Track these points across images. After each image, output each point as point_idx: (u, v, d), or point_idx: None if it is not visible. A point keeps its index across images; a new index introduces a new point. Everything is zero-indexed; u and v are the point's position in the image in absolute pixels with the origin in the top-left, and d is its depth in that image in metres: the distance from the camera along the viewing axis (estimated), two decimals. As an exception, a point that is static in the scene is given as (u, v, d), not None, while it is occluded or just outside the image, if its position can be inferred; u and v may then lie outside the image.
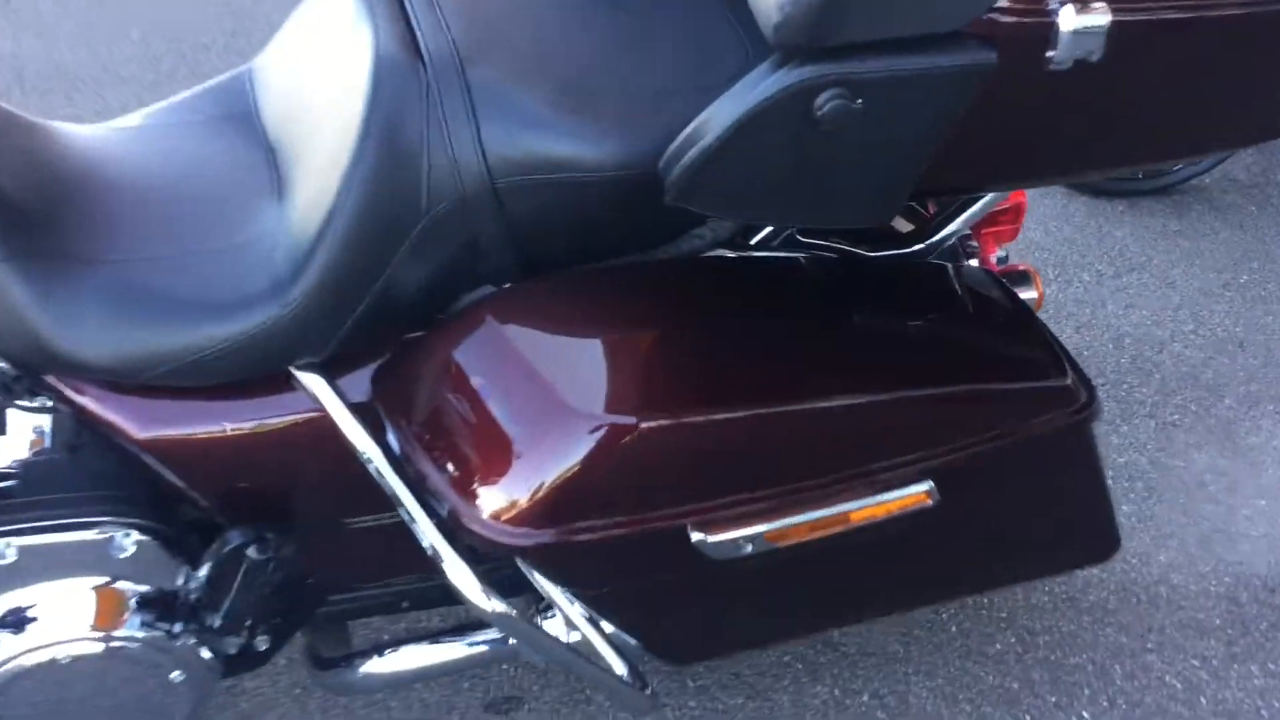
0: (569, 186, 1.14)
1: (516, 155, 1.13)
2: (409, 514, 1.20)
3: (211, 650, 1.37)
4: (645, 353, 1.18)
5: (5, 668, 1.28)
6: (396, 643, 1.53)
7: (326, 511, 1.34)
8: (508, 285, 1.24)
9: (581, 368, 1.14)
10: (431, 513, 1.20)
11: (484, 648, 1.53)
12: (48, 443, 1.41)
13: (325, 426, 1.23)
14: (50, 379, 1.21)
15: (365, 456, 1.21)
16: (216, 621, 1.34)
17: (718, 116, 0.98)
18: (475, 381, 1.15)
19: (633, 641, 1.32)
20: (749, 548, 1.16)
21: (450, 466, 1.14)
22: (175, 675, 1.36)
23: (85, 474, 1.34)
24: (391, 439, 1.21)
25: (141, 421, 1.21)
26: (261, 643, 1.43)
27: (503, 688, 1.78)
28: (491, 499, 1.11)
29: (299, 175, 1.24)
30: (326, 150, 1.19)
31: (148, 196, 1.27)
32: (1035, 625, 1.88)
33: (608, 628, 1.31)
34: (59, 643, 1.29)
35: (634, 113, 1.14)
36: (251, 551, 1.27)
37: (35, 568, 1.27)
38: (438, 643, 1.53)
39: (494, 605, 1.20)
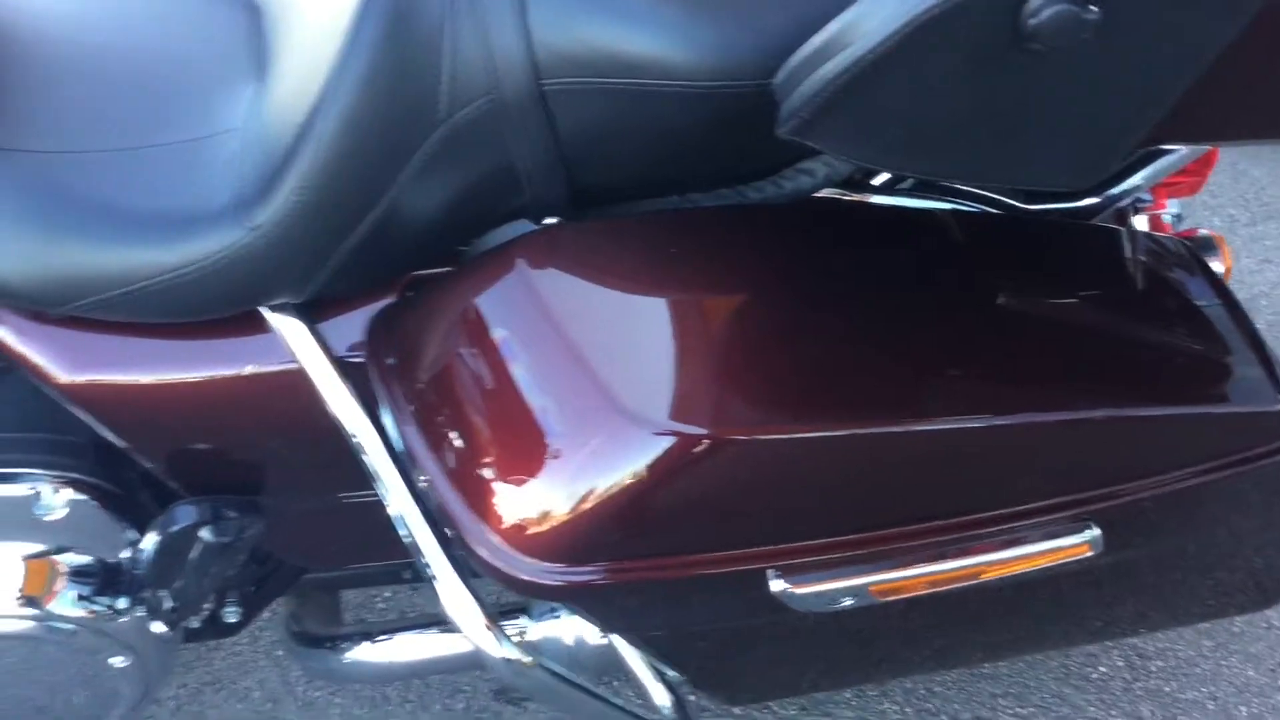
0: (643, 97, 0.82)
1: (575, 49, 0.82)
2: (398, 512, 0.93)
3: (166, 624, 1.12)
4: (726, 334, 0.87)
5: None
6: (391, 628, 1.28)
7: (299, 483, 1.06)
8: (550, 221, 0.93)
9: (642, 347, 0.84)
10: (427, 512, 0.92)
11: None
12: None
13: (302, 383, 0.95)
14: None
15: (349, 429, 0.93)
16: (167, 601, 1.09)
17: (870, 21, 0.66)
18: (498, 351, 0.85)
19: (676, 676, 1.05)
20: (847, 601, 0.87)
21: (458, 464, 0.86)
22: (118, 660, 1.11)
23: (8, 410, 1.08)
24: (384, 409, 0.93)
25: (67, 362, 0.93)
26: (231, 614, 1.19)
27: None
28: (511, 519, 0.83)
29: (283, 53, 0.94)
30: (318, 19, 0.88)
31: (91, 70, 0.98)
32: (1148, 648, 1.59)
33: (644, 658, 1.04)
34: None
35: (741, 2, 0.81)
36: (206, 533, 1.00)
37: (-62, 526, 1.02)
38: (439, 634, 1.28)
39: (506, 651, 0.93)
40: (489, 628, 0.92)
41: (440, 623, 1.30)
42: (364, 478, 1.00)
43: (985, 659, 1.25)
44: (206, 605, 1.16)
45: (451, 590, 0.91)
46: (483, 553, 0.83)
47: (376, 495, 1.03)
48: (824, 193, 0.96)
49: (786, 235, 0.91)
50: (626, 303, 0.87)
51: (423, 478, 0.88)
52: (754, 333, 0.87)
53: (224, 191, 0.88)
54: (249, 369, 0.96)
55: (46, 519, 1.03)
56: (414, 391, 0.89)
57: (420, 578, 1.35)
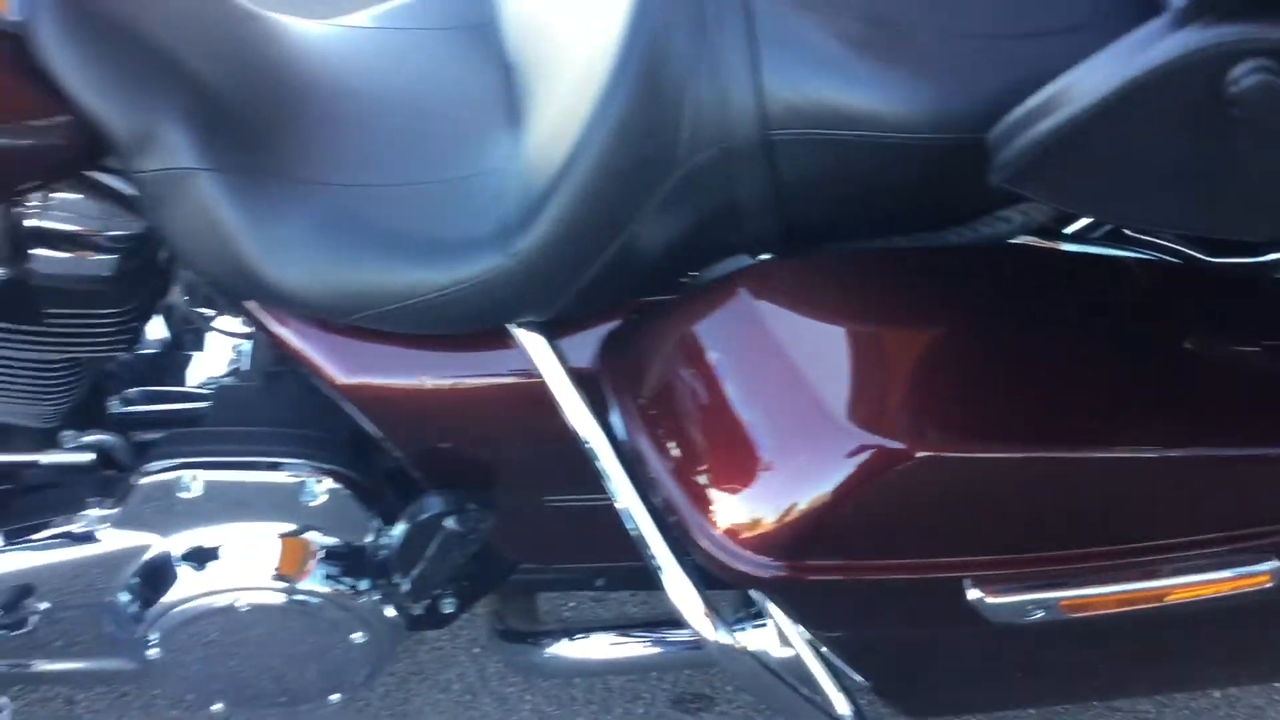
0: (863, 147, 0.93)
1: (803, 103, 0.93)
2: (626, 508, 1.04)
3: (396, 609, 1.26)
4: (930, 362, 0.96)
5: (181, 607, 1.20)
6: (588, 628, 1.39)
7: (530, 484, 1.19)
8: (765, 256, 1.04)
9: (851, 370, 0.94)
10: (653, 509, 1.03)
11: (684, 650, 1.37)
12: (245, 368, 1.31)
13: (540, 393, 1.08)
14: (251, 306, 1.09)
15: (582, 434, 1.05)
16: (405, 585, 1.22)
17: (1085, 83, 0.75)
18: (722, 369, 0.96)
19: (862, 682, 1.13)
20: (1038, 614, 0.95)
21: (682, 466, 0.97)
22: (357, 635, 1.25)
23: (281, 408, 1.24)
24: (615, 418, 1.04)
25: (345, 365, 1.08)
26: (447, 605, 1.32)
27: (693, 683, 1.63)
28: (731, 515, 0.93)
29: (538, 103, 1.08)
30: (574, 77, 1.01)
31: (371, 113, 1.13)
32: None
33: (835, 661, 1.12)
34: (238, 588, 1.20)
35: (956, 63, 0.91)
36: (450, 522, 1.13)
37: (220, 505, 1.18)
38: (633, 636, 1.38)
39: (721, 636, 1.03)
40: (707, 614, 1.02)
41: (633, 625, 1.41)
42: (586, 481, 1.13)
43: (1151, 691, 1.29)
44: (429, 597, 1.29)
45: (675, 578, 1.01)
46: (705, 544, 0.93)
47: (593, 499, 1.15)
48: (1019, 239, 1.05)
49: (983, 276, 1.00)
50: (838, 331, 0.97)
51: (650, 478, 0.99)
52: (954, 363, 0.96)
53: (488, 222, 1.01)
54: (495, 378, 1.09)
55: (310, 505, 1.18)
56: (644, 403, 1.00)
57: (611, 586, 1.48)
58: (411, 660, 1.63)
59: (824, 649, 1.09)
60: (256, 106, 1.06)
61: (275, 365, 1.30)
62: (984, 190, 0.90)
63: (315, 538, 1.21)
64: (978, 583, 0.93)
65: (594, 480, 1.12)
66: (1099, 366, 0.96)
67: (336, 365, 1.08)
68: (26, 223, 1.08)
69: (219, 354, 1.33)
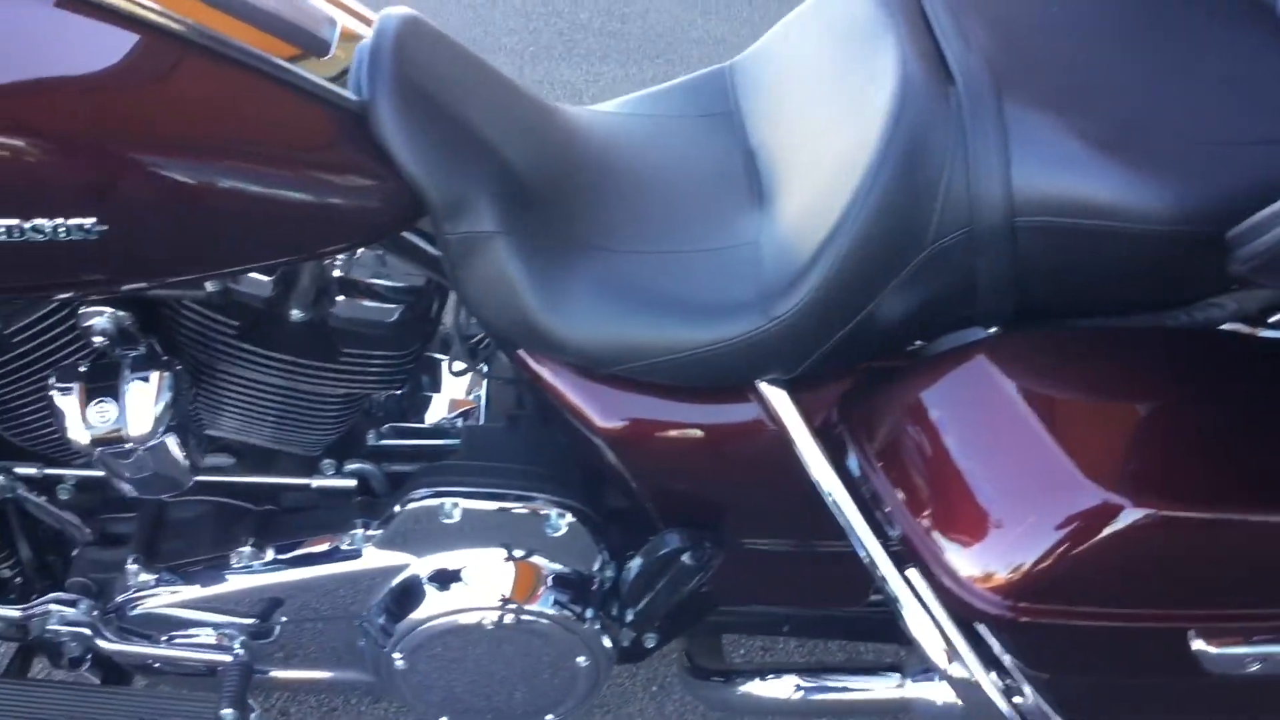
0: (1102, 235, 1.04)
1: (1048, 195, 1.04)
2: (864, 548, 1.15)
3: (611, 640, 1.37)
4: (1155, 431, 1.06)
5: (429, 623, 1.32)
6: (780, 669, 1.49)
7: (754, 527, 1.30)
8: (994, 330, 1.15)
9: (1083, 434, 1.04)
10: (887, 548, 1.13)
11: (872, 693, 1.46)
12: (482, 409, 1.45)
13: (777, 444, 1.19)
14: (521, 354, 1.23)
15: (822, 483, 1.16)
16: (629, 615, 1.34)
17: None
18: (963, 427, 1.07)
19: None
20: (1255, 666, 1.03)
21: (923, 510, 1.07)
22: (581, 659, 1.36)
23: (524, 447, 1.37)
24: (852, 466, 1.15)
25: (606, 411, 1.21)
26: (650, 640, 1.42)
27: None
28: (971, 557, 1.03)
29: (786, 185, 1.21)
30: (828, 165, 1.14)
31: (637, 188, 1.27)
32: None
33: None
34: (482, 608, 1.32)
35: (1193, 164, 1.02)
36: (687, 558, 1.25)
37: (474, 532, 1.31)
38: (824, 678, 1.48)
39: (956, 669, 1.12)
40: (945, 651, 1.12)
41: (823, 669, 1.50)
42: (794, 527, 1.24)
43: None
44: (643, 629, 1.40)
45: (915, 616, 1.11)
46: (945, 580, 1.04)
47: (795, 545, 1.26)
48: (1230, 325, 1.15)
49: (1205, 357, 1.10)
50: (1070, 400, 1.08)
51: (887, 519, 1.10)
52: (1177, 432, 1.06)
53: (749, 289, 1.14)
54: (737, 427, 1.21)
55: (553, 536, 1.31)
56: (885, 454, 1.12)
57: (795, 632, 1.57)
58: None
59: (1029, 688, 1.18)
60: (547, 181, 1.20)
61: (515, 409, 1.44)
62: (1208, 278, 1.01)
63: (551, 566, 1.33)
64: (1203, 634, 1.01)
65: (813, 525, 1.23)
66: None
67: (598, 411, 1.20)
68: (333, 273, 1.24)
69: (456, 396, 1.48)
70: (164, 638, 1.37)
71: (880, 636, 1.55)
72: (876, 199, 1.07)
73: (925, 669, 1.42)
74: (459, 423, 1.49)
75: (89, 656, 1.43)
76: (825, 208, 1.11)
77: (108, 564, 1.38)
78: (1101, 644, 1.06)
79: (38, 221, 0.99)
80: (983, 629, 1.10)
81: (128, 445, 1.16)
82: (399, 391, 1.39)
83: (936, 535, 1.06)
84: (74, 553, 1.41)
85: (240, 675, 1.33)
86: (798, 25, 1.37)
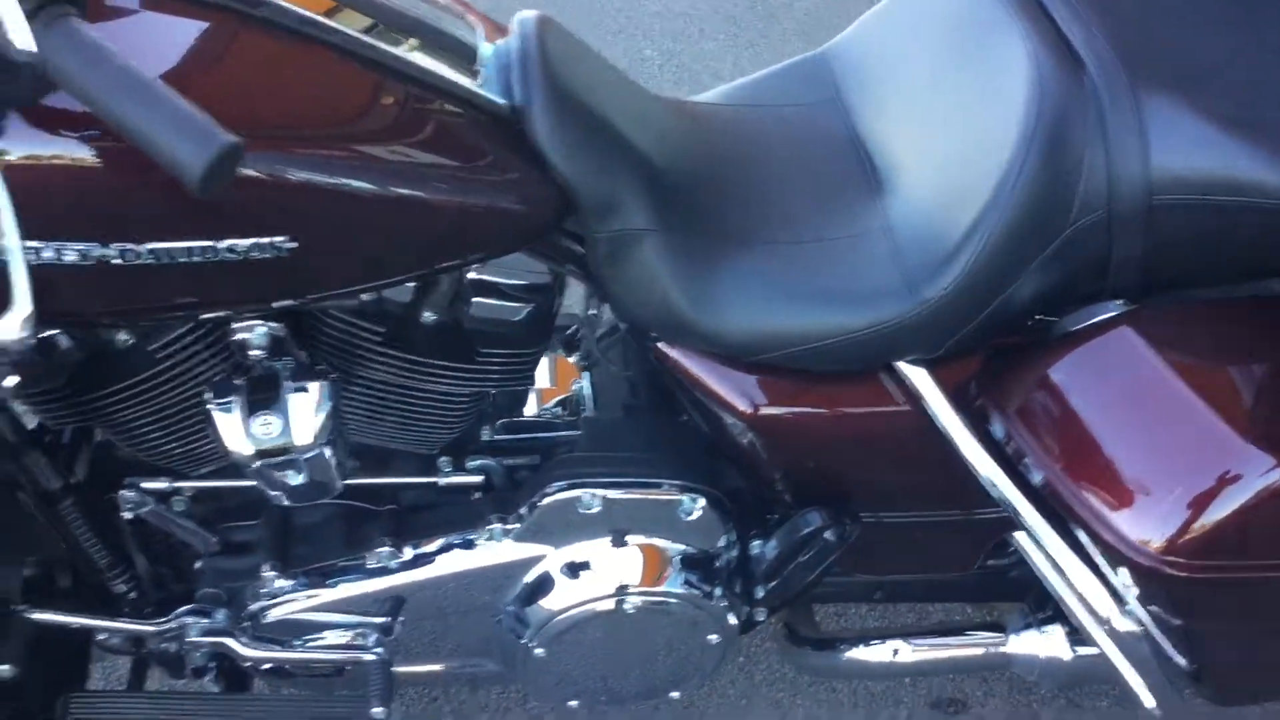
0: (1237, 211, 1.10)
1: (1186, 174, 1.11)
2: (1020, 515, 1.20)
3: (737, 615, 1.42)
4: None
5: (566, 611, 1.36)
6: (884, 634, 1.55)
7: (884, 501, 1.35)
8: (1121, 303, 1.21)
9: (1231, 397, 1.12)
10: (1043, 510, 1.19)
11: (973, 651, 1.53)
12: (589, 400, 1.48)
13: (915, 421, 1.24)
14: (661, 345, 1.26)
15: (969, 455, 1.21)
16: (760, 592, 1.38)
17: None
18: (1114, 394, 1.14)
19: (1185, 666, 1.28)
20: None
21: (1080, 475, 1.13)
22: (712, 637, 1.41)
23: (646, 435, 1.40)
24: (999, 436, 1.21)
25: (750, 397, 1.25)
26: (760, 614, 1.47)
27: (945, 689, 1.78)
28: (1133, 518, 1.10)
29: (909, 171, 1.25)
30: (962, 151, 1.19)
31: (764, 180, 1.30)
32: None
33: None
34: (615, 595, 1.36)
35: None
36: (830, 534, 1.30)
37: (612, 520, 1.34)
38: (926, 640, 1.54)
39: (1125, 623, 1.18)
40: (1115, 605, 1.17)
41: (923, 633, 1.56)
42: (935, 498, 1.29)
43: None
44: (763, 603, 1.44)
45: (1081, 576, 1.17)
46: (1111, 540, 1.10)
47: (913, 516, 1.32)
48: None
49: None
50: (1215, 365, 1.14)
51: (1044, 484, 1.15)
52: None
53: (893, 276, 1.18)
54: (875, 406, 1.26)
55: (686, 519, 1.35)
56: (1036, 425, 1.17)
57: (889, 598, 1.63)
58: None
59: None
60: (687, 176, 1.23)
61: (630, 399, 1.47)
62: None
63: (679, 548, 1.37)
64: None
65: (929, 499, 1.29)
66: None
67: (743, 398, 1.24)
68: (468, 275, 1.26)
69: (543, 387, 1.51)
70: (298, 642, 1.38)
71: (977, 598, 1.61)
72: (1024, 183, 1.12)
73: (1028, 625, 1.50)
74: (562, 414, 1.52)
75: (212, 665, 1.44)
76: (967, 193, 1.16)
77: (237, 573, 1.38)
78: (1256, 594, 1.14)
79: (232, 242, 1.00)
80: (1126, 583, 1.17)
81: (290, 456, 1.17)
82: (523, 387, 1.41)
83: (1098, 498, 1.12)
84: (197, 564, 1.42)
85: (383, 672, 1.35)
86: (892, 14, 1.41)
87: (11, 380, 1.20)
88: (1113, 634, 1.24)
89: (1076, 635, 1.45)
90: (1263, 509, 1.06)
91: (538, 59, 1.16)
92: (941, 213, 1.18)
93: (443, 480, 1.39)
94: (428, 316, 1.25)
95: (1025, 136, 1.12)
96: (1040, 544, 1.20)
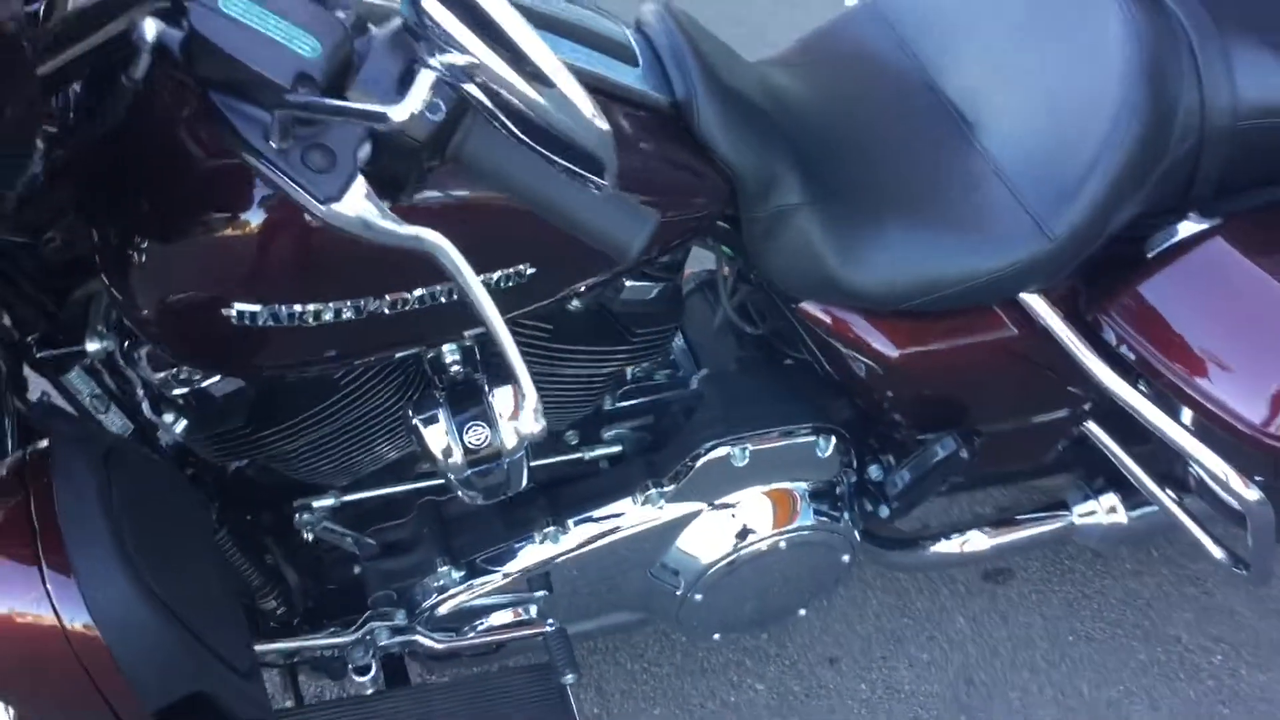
0: None
1: (1266, 100, 1.26)
2: (1135, 407, 1.35)
3: (860, 534, 1.55)
4: None
5: (723, 558, 1.46)
6: (960, 526, 1.71)
7: (998, 414, 1.50)
8: (1196, 217, 1.37)
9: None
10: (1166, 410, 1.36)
11: (1043, 528, 1.71)
12: (691, 359, 1.56)
13: (1027, 343, 1.39)
14: (805, 305, 1.35)
15: (1090, 366, 1.36)
16: (885, 510, 1.52)
17: None
18: (1219, 299, 1.31)
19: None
20: None
21: (1196, 372, 1.30)
22: (845, 557, 1.54)
23: (767, 386, 1.50)
24: (1112, 344, 1.36)
25: (894, 343, 1.36)
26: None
27: (994, 562, 1.97)
28: (1251, 403, 1.28)
29: (1008, 118, 1.36)
30: (1066, 96, 1.30)
31: (869, 137, 1.39)
32: None
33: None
34: (766, 536, 1.47)
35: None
36: (963, 453, 1.43)
37: (759, 469, 1.44)
38: (999, 528, 1.71)
39: (1251, 493, 1.36)
40: (1241, 478, 1.35)
41: (995, 522, 1.73)
42: (1039, 404, 1.45)
43: None
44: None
45: (1207, 458, 1.34)
46: (1230, 421, 1.27)
47: (1039, 418, 1.47)
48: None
49: None
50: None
51: (1172, 387, 1.31)
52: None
53: (1019, 217, 1.30)
54: (999, 335, 1.39)
55: (822, 458, 1.46)
56: (1150, 333, 1.33)
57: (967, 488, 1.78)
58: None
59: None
60: (817, 144, 1.31)
61: (739, 353, 1.56)
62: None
63: (807, 485, 1.49)
64: None
65: (1035, 406, 1.45)
66: None
67: (888, 344, 1.36)
68: (618, 263, 1.31)
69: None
70: (474, 626, 1.44)
71: (1030, 477, 1.79)
72: (1134, 119, 1.25)
73: (1086, 497, 1.69)
74: (665, 376, 1.58)
75: (372, 663, 1.48)
76: (1080, 133, 1.28)
77: (402, 572, 1.42)
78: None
79: (486, 275, 1.03)
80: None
81: (497, 461, 1.22)
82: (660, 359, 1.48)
83: (1216, 389, 1.29)
84: (356, 570, 1.45)
85: (563, 641, 1.43)
86: None
87: (180, 425, 1.21)
88: (1198, 501, 1.44)
89: (1130, 500, 1.66)
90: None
91: (691, 51, 1.21)
92: (1057, 154, 1.30)
93: (588, 454, 1.46)
94: (578, 307, 1.30)
95: (1129, 76, 1.25)
96: (1152, 426, 1.36)
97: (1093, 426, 1.56)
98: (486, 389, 1.20)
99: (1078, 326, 1.38)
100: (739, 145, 1.21)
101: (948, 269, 1.30)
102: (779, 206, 1.25)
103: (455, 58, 0.75)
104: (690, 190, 1.20)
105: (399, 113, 0.76)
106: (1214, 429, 1.33)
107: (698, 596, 1.49)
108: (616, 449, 1.47)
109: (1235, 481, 1.33)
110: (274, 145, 0.76)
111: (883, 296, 1.32)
